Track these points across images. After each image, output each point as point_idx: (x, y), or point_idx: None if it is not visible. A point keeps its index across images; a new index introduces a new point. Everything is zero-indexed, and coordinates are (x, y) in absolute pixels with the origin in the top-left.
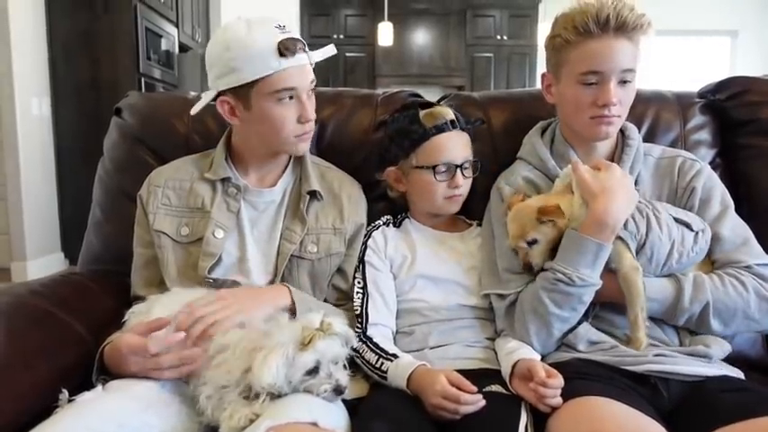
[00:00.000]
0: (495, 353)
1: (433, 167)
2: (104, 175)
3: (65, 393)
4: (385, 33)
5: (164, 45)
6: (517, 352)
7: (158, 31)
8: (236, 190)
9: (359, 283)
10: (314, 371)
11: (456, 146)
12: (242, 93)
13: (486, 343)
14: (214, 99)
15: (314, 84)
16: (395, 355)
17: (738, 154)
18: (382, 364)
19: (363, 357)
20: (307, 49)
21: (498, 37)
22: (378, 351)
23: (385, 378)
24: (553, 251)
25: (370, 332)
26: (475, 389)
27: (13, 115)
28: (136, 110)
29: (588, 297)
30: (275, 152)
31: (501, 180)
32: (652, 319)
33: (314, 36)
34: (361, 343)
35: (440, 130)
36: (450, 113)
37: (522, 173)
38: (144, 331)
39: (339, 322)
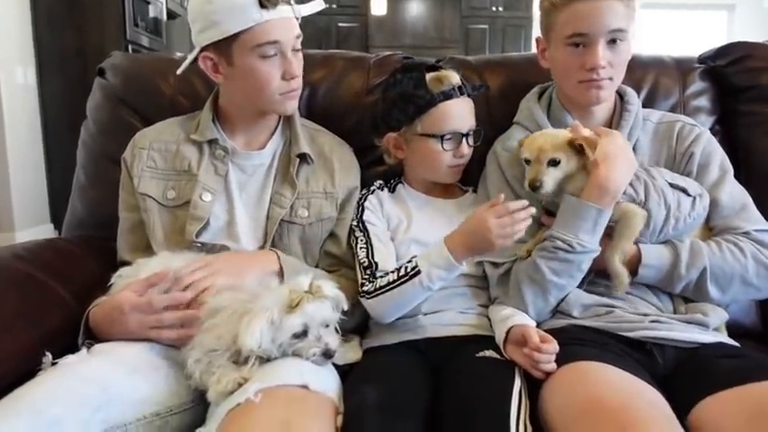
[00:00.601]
0: (489, 320)
1: (441, 136)
2: (88, 139)
3: (48, 356)
4: (378, 2)
5: (151, 12)
6: (511, 318)
7: None
8: (223, 152)
9: (361, 240)
10: (302, 334)
11: (463, 114)
12: (224, 47)
13: (480, 310)
14: (197, 56)
15: (300, 39)
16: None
17: (738, 121)
18: (405, 267)
19: (382, 287)
20: (292, 1)
21: (494, 8)
22: (392, 270)
23: (417, 273)
24: (554, 210)
25: (379, 276)
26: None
27: None
28: (120, 70)
29: (586, 265)
30: (261, 111)
31: (497, 145)
32: (647, 286)
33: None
34: (372, 283)
35: (447, 96)
36: (457, 78)
37: (519, 137)
38: (142, 288)
39: (329, 285)
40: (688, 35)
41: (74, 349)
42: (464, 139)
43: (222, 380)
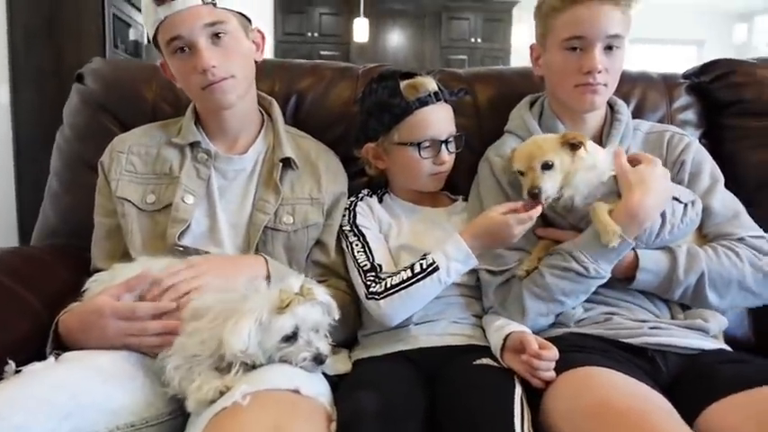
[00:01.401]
0: (483, 330)
1: (418, 144)
2: (63, 144)
3: (11, 365)
4: (361, 29)
5: (132, 35)
6: (508, 326)
7: (127, 19)
8: (206, 155)
9: (357, 244)
10: (292, 337)
11: (440, 120)
12: (159, 50)
13: (473, 320)
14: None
15: (220, 25)
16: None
17: (723, 135)
18: (421, 264)
19: (395, 285)
20: None
21: (472, 40)
22: (403, 268)
23: (435, 269)
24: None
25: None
26: None
27: None
28: (99, 76)
29: (593, 289)
30: (204, 109)
31: (490, 152)
32: (644, 294)
33: (288, 33)
34: (380, 284)
35: (423, 103)
36: (433, 84)
37: (512, 145)
38: (121, 291)
39: (320, 289)
40: (660, 69)
41: (42, 359)
42: (443, 146)
43: (203, 387)
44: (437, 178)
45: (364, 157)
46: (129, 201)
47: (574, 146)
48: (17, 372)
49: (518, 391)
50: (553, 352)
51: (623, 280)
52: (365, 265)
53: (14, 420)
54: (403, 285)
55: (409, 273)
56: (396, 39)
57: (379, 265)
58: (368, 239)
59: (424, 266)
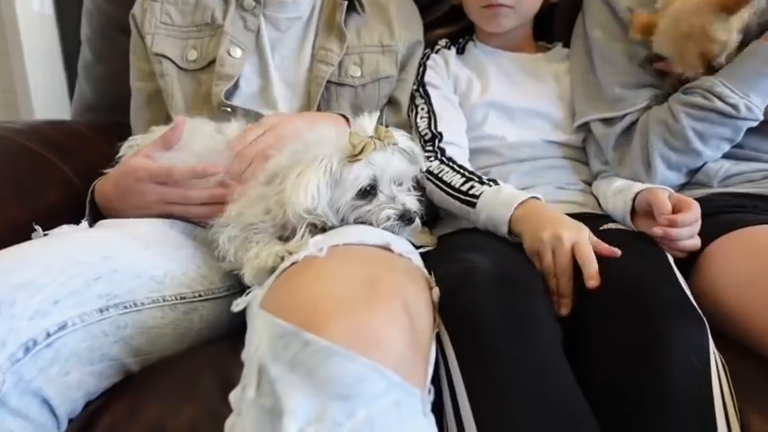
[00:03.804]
0: (596, 198)
1: None
2: (91, 6)
3: (38, 230)
4: None
5: None
6: (634, 186)
7: None
8: (253, 2)
9: (422, 108)
10: (370, 192)
11: None
12: None
13: (583, 186)
14: None
15: None
16: (494, 181)
17: None
18: (472, 186)
19: (441, 179)
20: None
21: None
22: (464, 171)
23: (472, 204)
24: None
25: (449, 152)
26: (618, 252)
27: (14, 13)
28: None
29: (742, 133)
30: None
31: None
32: None
33: None
34: (438, 162)
35: None
36: None
37: None
38: (158, 148)
39: (401, 134)
40: None
41: None
42: None
43: (261, 254)
44: (491, 13)
45: None
46: (168, 58)
47: None
48: (45, 235)
49: (669, 254)
50: (693, 211)
51: None
52: (425, 133)
53: (26, 274)
54: (446, 188)
55: (460, 181)
56: None
57: (440, 134)
58: (432, 101)
59: (468, 193)
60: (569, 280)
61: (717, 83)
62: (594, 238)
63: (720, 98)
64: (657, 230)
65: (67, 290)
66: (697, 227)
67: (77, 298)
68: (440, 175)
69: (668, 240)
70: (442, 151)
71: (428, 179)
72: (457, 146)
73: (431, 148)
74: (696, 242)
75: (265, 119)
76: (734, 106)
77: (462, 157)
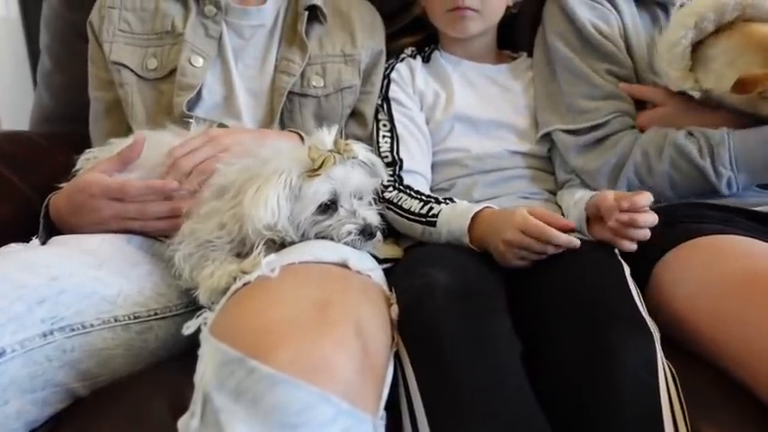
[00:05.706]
0: (560, 209)
1: None
2: (50, 13)
3: None
4: None
5: None
6: (589, 195)
7: None
8: (214, 9)
9: (384, 125)
10: (330, 207)
11: None
12: None
13: (547, 195)
14: None
15: None
16: (450, 199)
17: None
18: (431, 208)
19: (400, 207)
20: None
21: None
22: (421, 196)
23: (432, 224)
24: None
25: (407, 180)
26: (572, 224)
27: None
28: None
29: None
30: None
31: None
32: None
33: None
34: (396, 191)
35: None
36: None
37: None
38: (115, 164)
39: (361, 146)
40: None
41: None
42: None
43: (215, 273)
44: (457, 16)
45: None
46: (127, 66)
47: None
48: None
49: (624, 265)
50: (643, 196)
51: None
52: (385, 156)
53: None
54: (404, 213)
55: (417, 206)
56: None
57: (401, 161)
58: (395, 122)
59: (429, 213)
60: (557, 240)
61: (722, 142)
62: (538, 210)
63: (713, 161)
64: (623, 216)
65: (7, 316)
66: (649, 218)
67: (17, 324)
68: (399, 203)
69: (615, 231)
70: (401, 180)
71: (388, 209)
72: (416, 173)
73: (390, 174)
74: (646, 233)
75: (210, 130)
76: (718, 175)
77: (421, 184)
